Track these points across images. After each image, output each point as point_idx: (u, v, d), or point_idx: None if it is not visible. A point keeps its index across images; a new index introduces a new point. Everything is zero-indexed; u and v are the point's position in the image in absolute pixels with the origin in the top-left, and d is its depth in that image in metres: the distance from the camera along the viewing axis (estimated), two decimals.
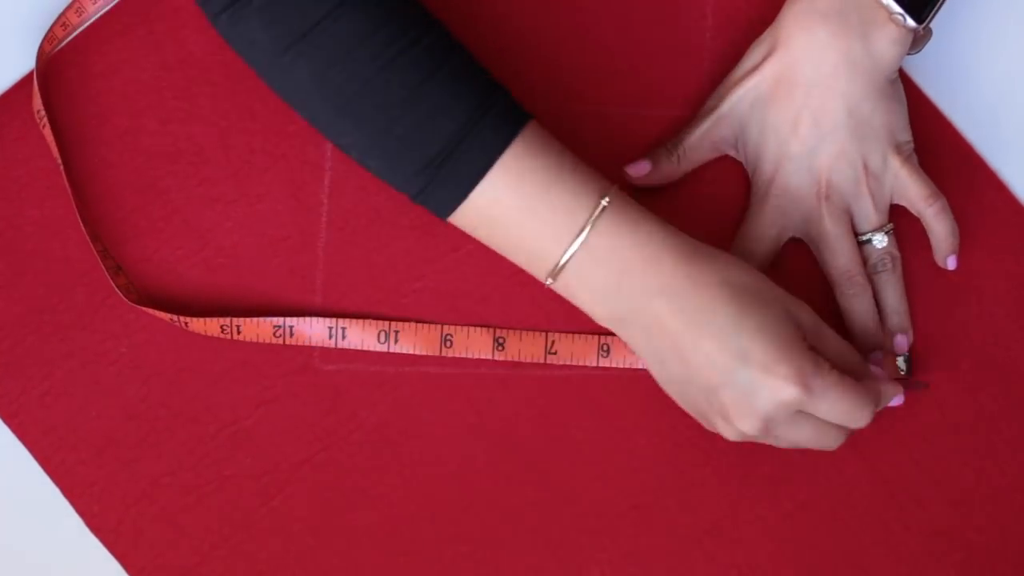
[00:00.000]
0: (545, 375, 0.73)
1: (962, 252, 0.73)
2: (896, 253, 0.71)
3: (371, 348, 0.72)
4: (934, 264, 0.73)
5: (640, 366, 0.72)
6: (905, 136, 0.70)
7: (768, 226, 0.71)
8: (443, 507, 0.73)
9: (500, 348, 0.72)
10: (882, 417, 0.72)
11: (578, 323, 0.72)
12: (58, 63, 0.73)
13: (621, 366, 0.72)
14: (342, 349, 0.73)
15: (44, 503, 0.73)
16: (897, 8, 0.67)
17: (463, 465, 0.73)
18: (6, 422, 0.73)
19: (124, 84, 0.73)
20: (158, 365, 0.73)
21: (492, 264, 0.73)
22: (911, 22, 0.67)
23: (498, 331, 0.72)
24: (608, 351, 0.72)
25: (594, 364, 0.72)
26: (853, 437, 0.72)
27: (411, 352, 0.72)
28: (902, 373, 0.72)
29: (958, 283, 0.74)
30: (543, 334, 0.72)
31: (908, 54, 0.70)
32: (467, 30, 0.73)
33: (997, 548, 0.73)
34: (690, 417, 0.72)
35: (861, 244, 0.71)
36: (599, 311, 0.67)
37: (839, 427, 0.66)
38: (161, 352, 0.73)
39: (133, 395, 0.73)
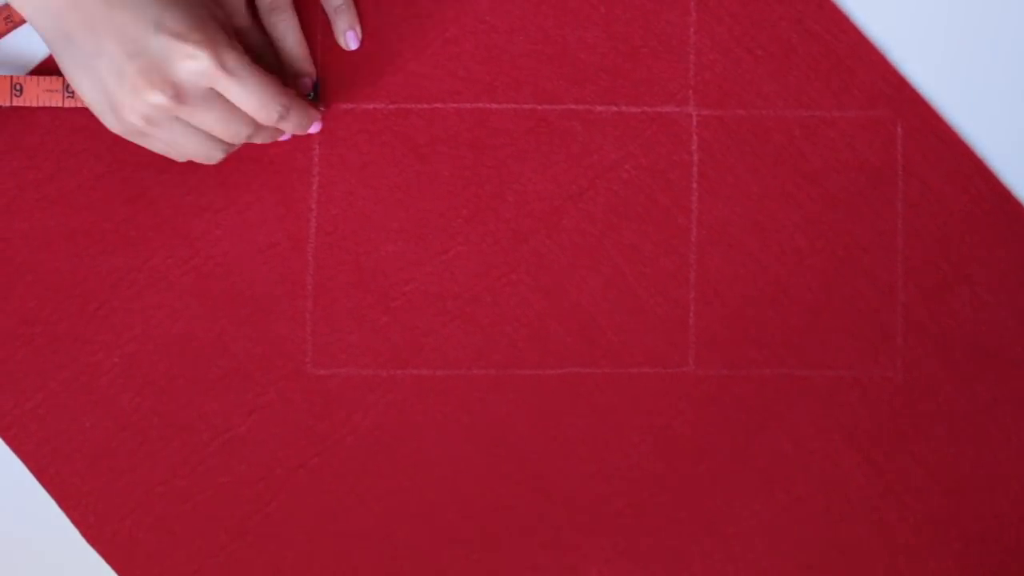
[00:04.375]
0: (538, 375, 0.73)
1: (955, 242, 0.73)
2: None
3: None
4: (926, 254, 0.73)
5: None
6: None
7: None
8: (438, 509, 0.73)
9: None
10: (877, 409, 0.72)
11: (577, 321, 0.72)
12: (48, 73, 0.73)
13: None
14: (334, 354, 0.73)
15: (39, 515, 0.73)
16: None
17: (457, 467, 0.73)
18: (1, 435, 0.73)
19: None
20: (150, 375, 0.73)
21: (481, 266, 0.73)
22: None
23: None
24: None
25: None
26: (849, 429, 0.72)
27: None
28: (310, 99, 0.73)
29: (952, 273, 0.73)
30: None
31: None
32: (453, 26, 0.73)
33: (994, 537, 0.72)
34: (685, 414, 0.72)
35: None
36: None
37: (246, 120, 0.66)
38: (153, 362, 0.73)
39: (126, 405, 0.73)
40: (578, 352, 0.73)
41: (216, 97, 0.65)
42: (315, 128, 0.71)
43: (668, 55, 0.74)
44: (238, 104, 0.65)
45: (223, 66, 0.64)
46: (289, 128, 0.69)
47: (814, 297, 0.73)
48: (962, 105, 0.74)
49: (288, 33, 0.72)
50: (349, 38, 0.73)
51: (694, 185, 0.74)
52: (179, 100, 0.64)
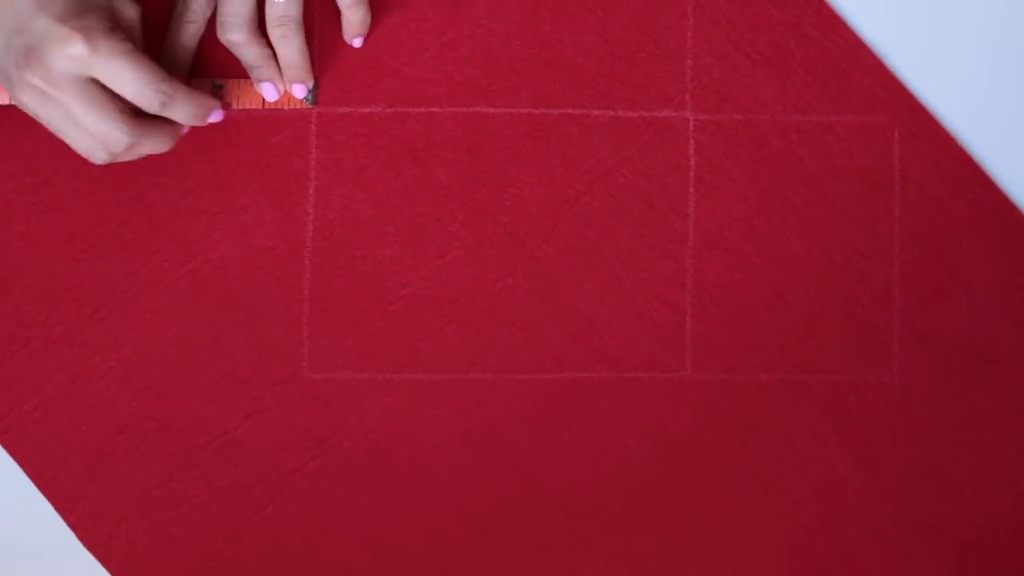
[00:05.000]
0: (534, 379, 0.73)
1: (951, 247, 0.73)
2: (295, 13, 0.71)
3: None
4: (923, 259, 0.73)
5: None
6: None
7: None
8: (434, 513, 0.73)
9: None
10: (873, 413, 0.72)
11: (574, 326, 0.72)
12: None
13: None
14: (331, 357, 0.73)
15: (36, 518, 0.73)
16: None
17: (454, 471, 0.73)
18: None
19: None
20: (147, 378, 0.73)
21: (477, 270, 0.73)
22: None
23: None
24: None
25: None
26: (845, 434, 0.72)
27: None
28: (308, 104, 0.73)
29: (948, 278, 0.73)
30: None
31: None
32: (450, 30, 0.73)
33: (991, 543, 0.72)
34: (681, 419, 0.72)
35: None
36: None
37: (120, 119, 0.66)
38: (150, 365, 0.73)
39: (123, 408, 0.73)
40: (574, 356, 0.73)
41: (88, 87, 0.65)
42: (215, 117, 0.71)
43: (665, 59, 0.74)
44: (114, 87, 0.65)
45: (96, 51, 0.64)
46: (178, 117, 0.68)
47: (810, 302, 0.73)
48: (959, 110, 0.74)
49: (292, 46, 0.72)
50: (356, 42, 0.73)
51: (691, 189, 0.74)
52: (51, 84, 0.65)
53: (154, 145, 0.69)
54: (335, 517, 0.73)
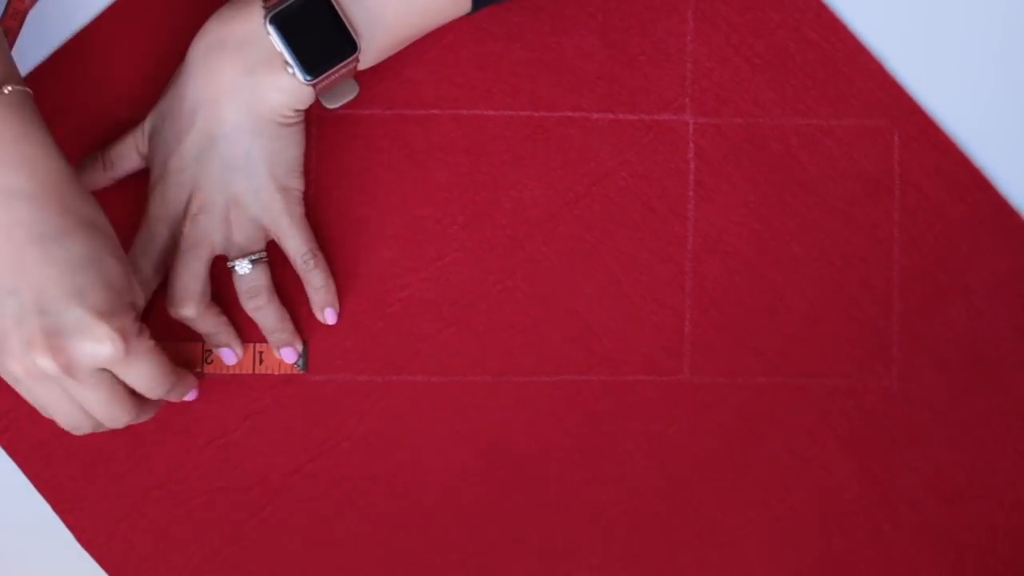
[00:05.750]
0: (533, 382, 0.73)
1: (951, 251, 0.73)
2: (264, 282, 0.71)
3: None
4: (923, 263, 0.73)
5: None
6: (293, 183, 0.70)
7: (151, 234, 0.70)
8: (433, 515, 0.73)
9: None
10: (872, 417, 0.72)
11: (573, 329, 0.72)
12: (51, 65, 0.73)
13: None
14: (330, 359, 0.73)
15: (34, 518, 0.73)
16: (290, 58, 0.66)
17: (453, 472, 0.73)
18: None
19: (117, 86, 0.73)
20: None
21: (477, 273, 0.73)
22: (302, 76, 0.66)
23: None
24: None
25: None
26: (844, 437, 0.72)
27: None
28: (299, 370, 0.73)
29: (947, 282, 0.73)
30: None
31: (329, 106, 0.69)
32: (450, 32, 0.73)
33: (989, 547, 0.72)
34: (680, 422, 0.72)
35: (231, 269, 0.71)
36: None
37: (128, 407, 0.65)
38: None
39: None
40: (573, 359, 0.73)
41: (104, 379, 0.64)
42: (191, 396, 0.70)
43: (665, 63, 0.74)
44: (131, 383, 0.65)
45: (128, 353, 0.63)
46: (172, 398, 0.68)
47: (810, 306, 0.73)
48: (959, 114, 0.74)
49: (270, 314, 0.71)
50: (328, 315, 0.72)
51: (690, 193, 0.74)
52: (68, 373, 0.62)
53: (142, 418, 0.68)
54: (334, 518, 0.73)
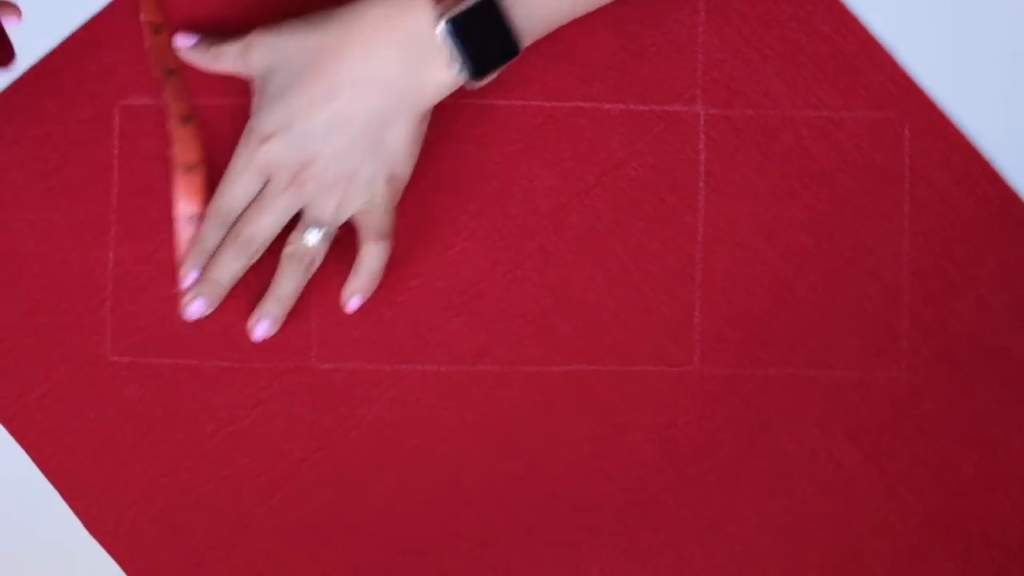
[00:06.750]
0: (542, 372, 0.73)
1: (961, 243, 0.73)
2: (320, 256, 0.71)
3: None
4: (932, 255, 0.73)
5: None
6: (403, 171, 0.70)
7: (246, 180, 0.70)
8: (441, 504, 0.73)
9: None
10: (881, 409, 0.72)
11: (582, 319, 0.72)
12: (54, 64, 0.73)
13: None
14: (339, 348, 0.73)
15: (43, 505, 0.73)
16: (462, 61, 0.67)
17: (461, 462, 0.73)
18: (4, 425, 0.73)
19: (121, 84, 0.73)
20: (155, 366, 0.73)
21: (486, 262, 0.73)
22: (471, 78, 0.67)
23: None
24: None
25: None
26: (852, 429, 0.72)
27: None
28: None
29: (957, 274, 0.73)
30: None
31: (470, 86, 0.69)
32: None
33: (997, 540, 0.72)
34: (689, 413, 0.72)
35: (300, 231, 0.70)
36: None
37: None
38: (158, 353, 0.73)
39: (130, 396, 0.73)
40: (583, 349, 0.73)
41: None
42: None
43: (676, 54, 0.74)
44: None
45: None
46: None
47: (819, 297, 0.73)
48: (969, 107, 0.74)
49: (290, 284, 0.71)
50: (353, 302, 0.72)
51: (701, 184, 0.74)
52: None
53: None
54: (342, 507, 0.73)
